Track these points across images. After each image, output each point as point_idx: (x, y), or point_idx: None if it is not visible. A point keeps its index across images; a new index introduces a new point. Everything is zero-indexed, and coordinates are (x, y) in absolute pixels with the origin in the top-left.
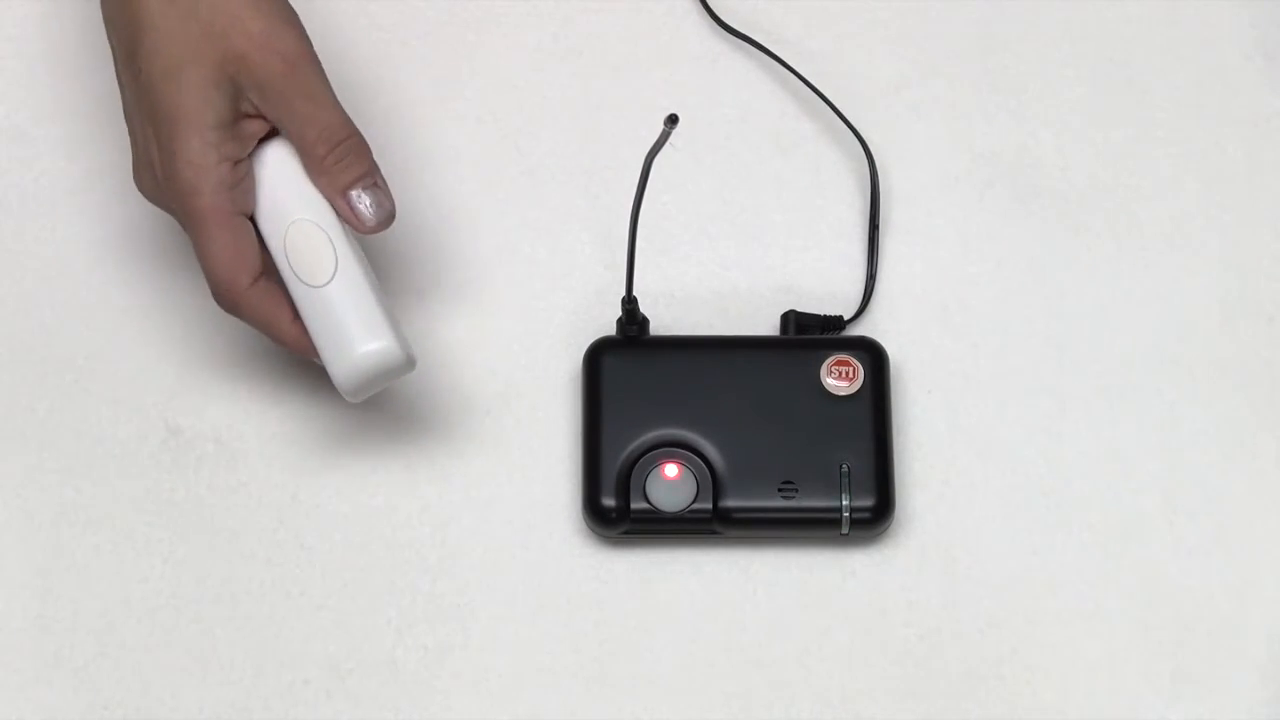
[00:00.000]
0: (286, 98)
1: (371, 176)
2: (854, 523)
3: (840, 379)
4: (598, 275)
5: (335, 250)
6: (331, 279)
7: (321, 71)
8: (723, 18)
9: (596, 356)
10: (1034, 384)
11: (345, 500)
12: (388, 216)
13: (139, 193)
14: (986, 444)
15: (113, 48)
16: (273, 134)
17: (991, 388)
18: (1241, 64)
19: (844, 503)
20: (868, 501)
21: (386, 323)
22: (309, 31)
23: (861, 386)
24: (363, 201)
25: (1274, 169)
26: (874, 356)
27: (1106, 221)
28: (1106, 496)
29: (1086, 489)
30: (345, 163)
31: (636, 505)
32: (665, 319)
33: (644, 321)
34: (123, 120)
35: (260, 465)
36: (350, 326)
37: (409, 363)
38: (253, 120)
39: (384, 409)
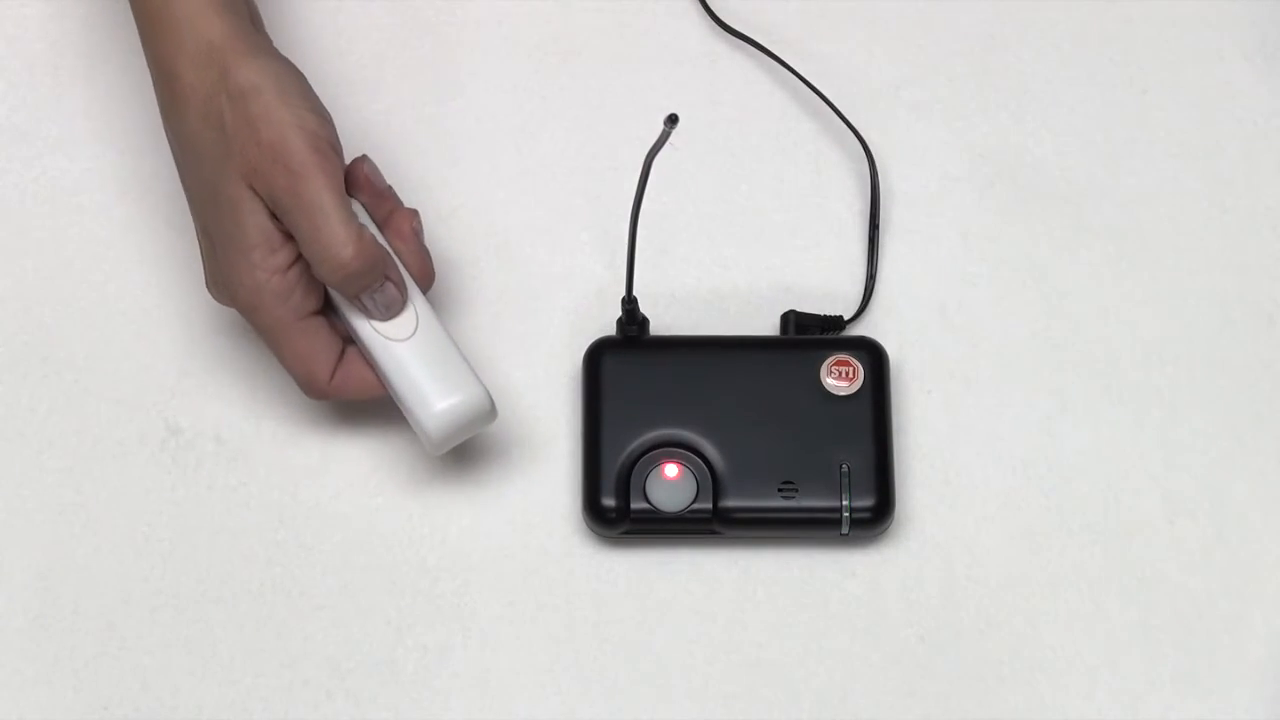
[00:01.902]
0: (290, 213)
1: (378, 282)
2: (854, 523)
3: (840, 379)
4: (598, 275)
5: (415, 304)
6: (415, 332)
7: (331, 180)
8: (722, 18)
9: (596, 357)
10: (1034, 384)
11: (345, 500)
12: (398, 309)
13: (212, 299)
14: (986, 444)
15: (175, 162)
16: None
17: (991, 388)
18: (1241, 64)
19: (844, 503)
20: (868, 501)
21: (472, 373)
22: (308, 31)
23: (861, 386)
24: (372, 303)
25: (1274, 169)
26: (874, 356)
27: (1106, 221)
28: (1106, 496)
29: (1086, 489)
30: (347, 283)
31: (636, 505)
32: (665, 319)
33: (644, 322)
34: (122, 120)
35: (260, 465)
36: (437, 378)
37: (493, 412)
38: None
39: (384, 410)
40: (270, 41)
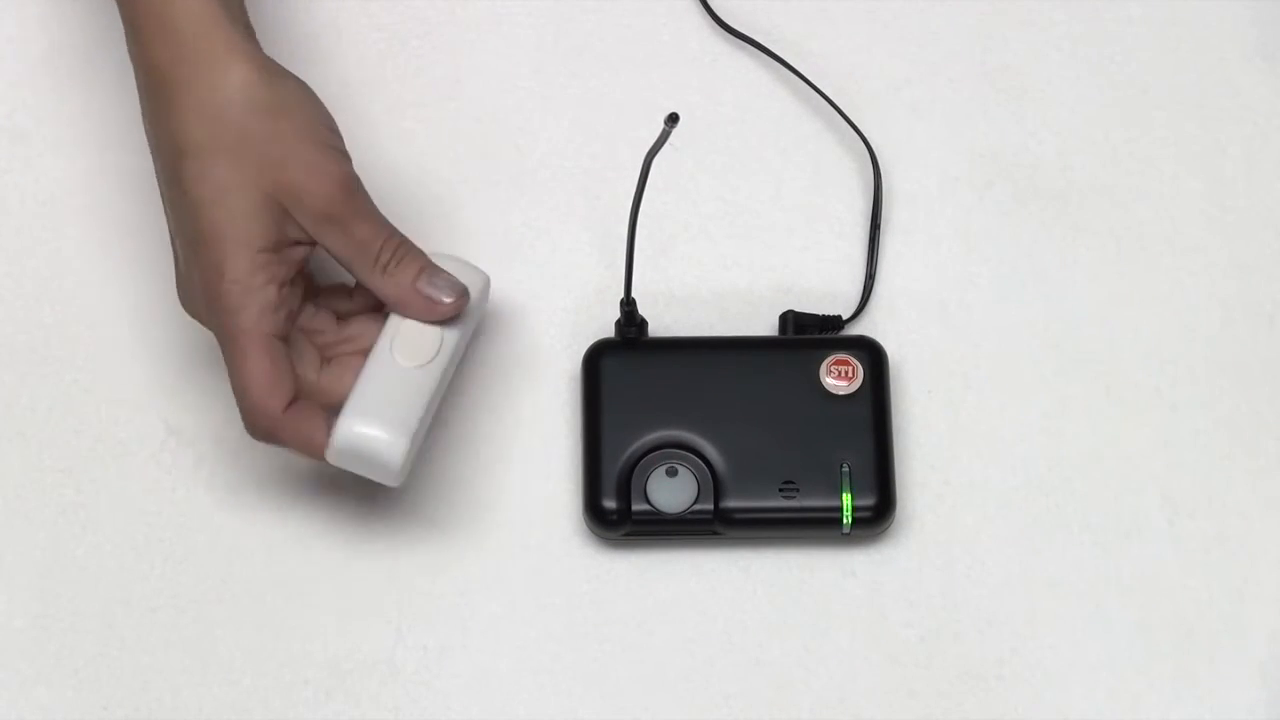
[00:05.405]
0: (343, 221)
1: (429, 266)
2: (855, 522)
3: (840, 378)
4: (598, 275)
5: (445, 343)
6: (418, 366)
7: (364, 188)
8: (723, 18)
9: (595, 359)
10: (1034, 384)
11: (345, 500)
12: (461, 292)
13: (181, 306)
14: (986, 444)
15: (155, 166)
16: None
17: (991, 388)
18: (1241, 64)
19: (845, 502)
20: (869, 500)
21: (411, 433)
22: (308, 31)
23: (861, 385)
24: (432, 286)
25: (1274, 169)
26: (873, 355)
27: (1106, 221)
28: (1106, 496)
29: (1086, 489)
30: (405, 261)
31: (638, 507)
32: (664, 319)
33: (642, 323)
34: (122, 120)
35: (260, 465)
36: (385, 406)
37: (397, 476)
38: (298, 247)
39: None
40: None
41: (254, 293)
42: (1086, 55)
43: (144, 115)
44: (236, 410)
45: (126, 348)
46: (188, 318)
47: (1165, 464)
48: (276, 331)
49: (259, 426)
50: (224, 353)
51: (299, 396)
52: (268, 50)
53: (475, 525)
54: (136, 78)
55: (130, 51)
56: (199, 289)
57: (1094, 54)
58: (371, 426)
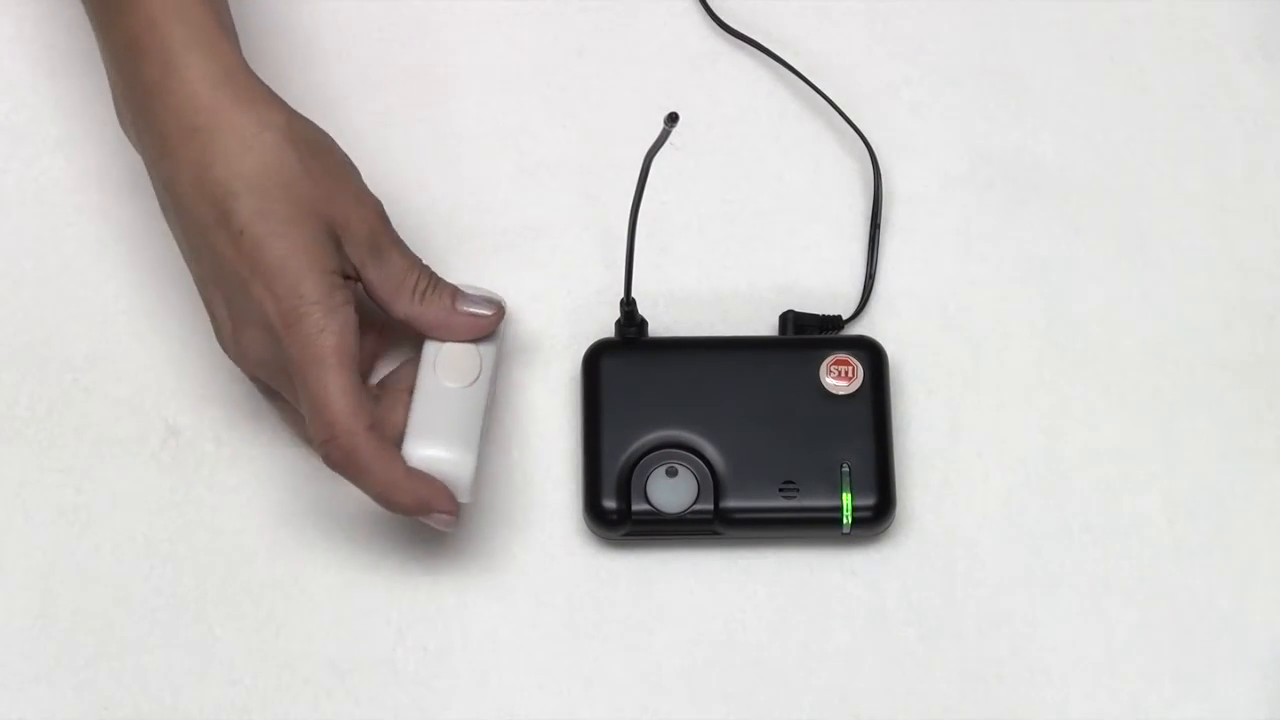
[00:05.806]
0: (385, 251)
1: (459, 289)
2: (855, 522)
3: (840, 378)
4: (598, 275)
5: (484, 362)
6: (463, 386)
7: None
8: (723, 18)
9: (595, 359)
10: (1034, 384)
11: (345, 500)
12: (497, 305)
13: (230, 360)
14: (986, 444)
15: (188, 219)
16: None
17: (991, 388)
18: (1241, 64)
19: (845, 502)
20: (869, 500)
21: (475, 449)
22: (308, 31)
23: (861, 385)
24: (471, 304)
25: (1274, 169)
26: (873, 355)
27: (1106, 221)
28: (1106, 496)
29: (1086, 489)
30: (439, 288)
31: (638, 507)
32: (664, 319)
33: (642, 323)
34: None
35: (260, 465)
36: (444, 427)
37: (468, 493)
38: (351, 280)
39: None
40: None
41: (336, 311)
42: (1086, 55)
43: (169, 168)
44: (236, 411)
45: (126, 348)
46: (188, 318)
47: (1165, 464)
48: (355, 354)
49: (340, 447)
50: (300, 378)
51: (377, 424)
52: (270, 50)
53: (475, 525)
54: (151, 129)
55: (138, 107)
56: (273, 322)
57: (1094, 54)
58: (437, 448)
